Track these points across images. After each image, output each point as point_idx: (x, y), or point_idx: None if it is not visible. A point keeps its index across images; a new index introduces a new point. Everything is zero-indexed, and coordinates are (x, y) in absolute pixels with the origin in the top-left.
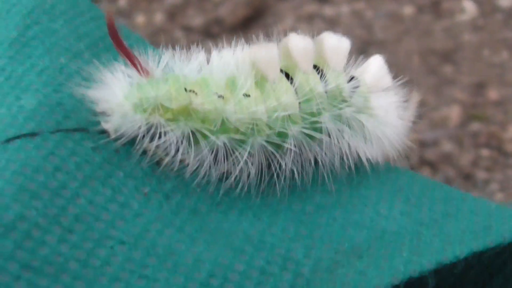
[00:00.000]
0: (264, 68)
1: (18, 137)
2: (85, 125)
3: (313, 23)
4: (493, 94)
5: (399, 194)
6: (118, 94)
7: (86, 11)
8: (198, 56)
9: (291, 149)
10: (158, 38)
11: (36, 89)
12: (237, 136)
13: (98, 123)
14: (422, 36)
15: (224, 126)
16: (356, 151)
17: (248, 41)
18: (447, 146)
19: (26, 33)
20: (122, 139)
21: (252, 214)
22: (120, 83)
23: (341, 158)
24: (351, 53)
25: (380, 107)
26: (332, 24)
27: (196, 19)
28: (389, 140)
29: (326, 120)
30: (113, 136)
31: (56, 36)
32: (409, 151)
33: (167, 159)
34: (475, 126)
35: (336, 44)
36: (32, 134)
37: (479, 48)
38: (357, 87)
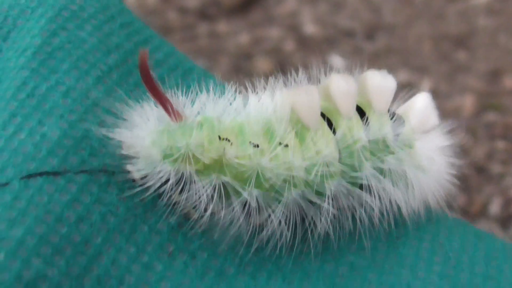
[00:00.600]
0: (304, 115)
1: (40, 173)
2: (111, 166)
3: (317, 6)
4: (509, 82)
5: (438, 252)
6: (146, 138)
7: (117, 15)
8: (234, 96)
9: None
10: (150, 20)
11: (61, 115)
12: (272, 192)
13: (125, 165)
14: (434, 20)
15: (258, 180)
16: (397, 205)
17: (284, 80)
18: (460, 138)
19: (51, 41)
20: (149, 188)
21: (282, 278)
22: (148, 125)
23: (381, 213)
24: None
25: (426, 154)
26: (337, 7)
27: (192, 0)
28: (434, 190)
29: (368, 173)
30: (139, 182)
31: (84, 48)
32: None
33: (195, 214)
34: (490, 116)
35: (381, 84)
36: (55, 173)
37: (495, 33)
38: (400, 131)
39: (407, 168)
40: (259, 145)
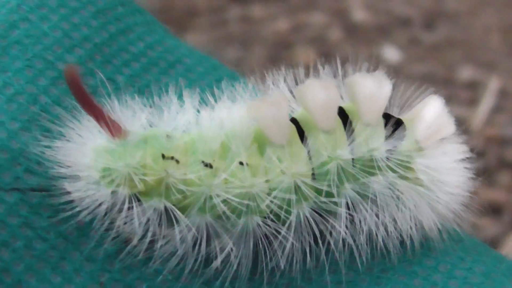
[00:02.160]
0: (268, 130)
1: None
2: (46, 185)
3: None
4: None
5: None
6: (85, 157)
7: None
8: (188, 108)
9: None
10: (175, 2)
11: (2, 123)
12: (226, 218)
13: (61, 185)
14: (504, 7)
15: (211, 203)
16: (386, 231)
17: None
18: None
19: (8, 35)
20: (84, 212)
21: None
22: (91, 141)
23: (368, 237)
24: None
25: (430, 173)
26: None
27: None
28: (440, 212)
29: (347, 195)
30: (76, 204)
31: (44, 43)
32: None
33: (134, 240)
34: None
35: (371, 90)
36: None
37: None
38: (397, 145)
39: (402, 190)
40: (213, 165)
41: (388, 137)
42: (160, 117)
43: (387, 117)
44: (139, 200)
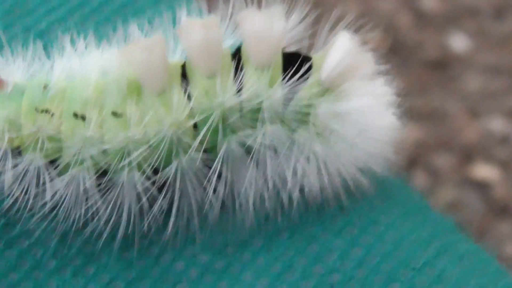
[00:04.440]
0: (143, 76)
1: None
2: None
3: None
4: None
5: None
6: None
7: None
8: (73, 53)
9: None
10: None
11: None
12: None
13: None
14: None
15: (85, 157)
16: (276, 187)
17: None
18: None
19: None
20: None
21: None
22: None
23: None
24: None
25: (339, 114)
26: None
27: None
28: (353, 164)
29: (230, 148)
30: None
31: None
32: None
33: (14, 196)
34: None
35: (259, 29)
36: None
37: None
38: (295, 90)
39: (301, 142)
40: (85, 116)
41: (287, 81)
42: (44, 65)
43: (294, 57)
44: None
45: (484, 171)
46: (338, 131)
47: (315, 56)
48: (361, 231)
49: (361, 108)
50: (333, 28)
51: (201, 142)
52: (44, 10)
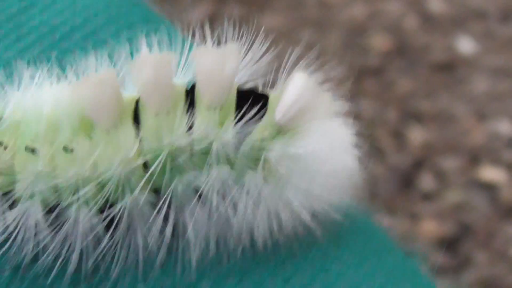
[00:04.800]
0: (92, 113)
1: None
2: None
3: None
4: None
5: None
6: None
7: None
8: (29, 83)
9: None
10: None
11: None
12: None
13: None
14: None
15: (36, 192)
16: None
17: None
18: None
19: None
20: None
21: None
22: None
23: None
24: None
25: (291, 156)
26: None
27: None
28: (302, 208)
29: (177, 189)
30: None
31: None
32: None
33: None
34: None
35: (210, 68)
36: None
37: None
38: (246, 131)
39: (249, 186)
40: (36, 150)
41: (239, 120)
42: (2, 96)
43: (250, 94)
44: None
45: (491, 173)
46: (290, 175)
47: (271, 95)
48: (311, 280)
49: (316, 151)
50: (297, 62)
51: (148, 182)
52: (15, 37)
